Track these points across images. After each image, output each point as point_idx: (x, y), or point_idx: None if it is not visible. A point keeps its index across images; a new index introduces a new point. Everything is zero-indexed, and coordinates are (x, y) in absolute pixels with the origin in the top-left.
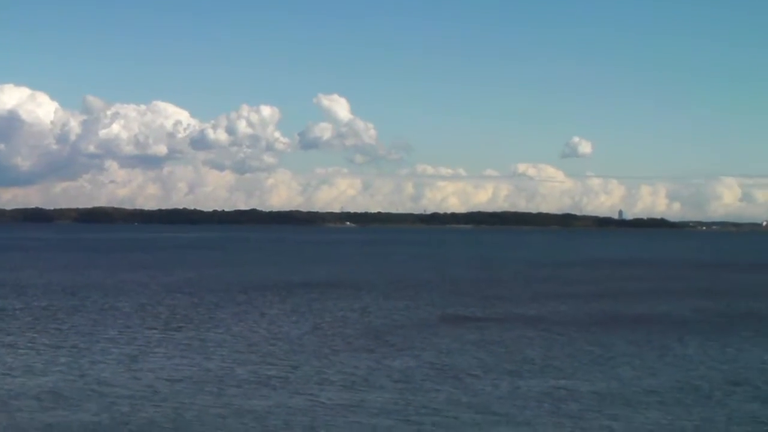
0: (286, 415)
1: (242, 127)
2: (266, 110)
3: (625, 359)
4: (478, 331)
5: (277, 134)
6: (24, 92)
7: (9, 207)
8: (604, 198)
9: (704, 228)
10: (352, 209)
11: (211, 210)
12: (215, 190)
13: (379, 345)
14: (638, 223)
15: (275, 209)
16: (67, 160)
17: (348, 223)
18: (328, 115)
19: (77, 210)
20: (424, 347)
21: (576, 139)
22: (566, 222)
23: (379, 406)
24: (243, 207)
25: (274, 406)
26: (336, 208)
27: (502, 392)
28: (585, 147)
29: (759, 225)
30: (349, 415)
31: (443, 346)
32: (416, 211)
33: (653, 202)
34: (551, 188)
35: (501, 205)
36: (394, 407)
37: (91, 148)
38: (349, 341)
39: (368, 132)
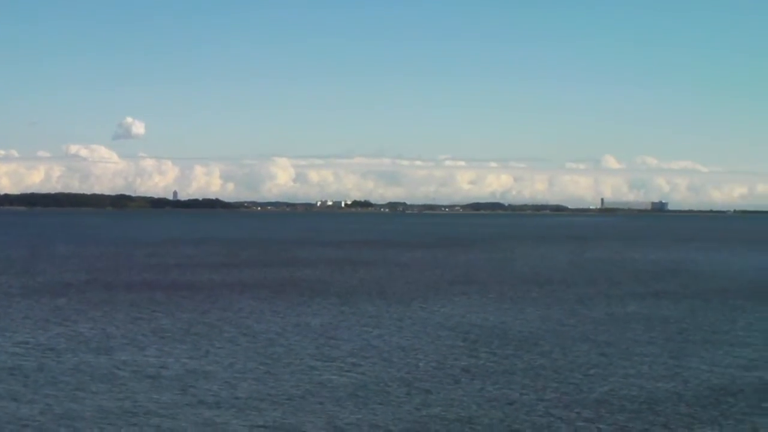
0: None
1: None
2: None
3: (214, 336)
4: (45, 308)
5: None
6: None
7: None
8: (159, 179)
9: (259, 208)
10: None
11: None
12: None
13: None
14: (193, 204)
15: None
16: None
17: None
18: None
19: None
20: None
21: (129, 119)
22: (121, 203)
23: None
24: None
25: None
26: None
27: (96, 367)
28: (138, 128)
29: (314, 205)
30: None
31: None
32: None
33: (207, 182)
34: (104, 169)
35: (54, 186)
36: None
37: None
38: None
39: None
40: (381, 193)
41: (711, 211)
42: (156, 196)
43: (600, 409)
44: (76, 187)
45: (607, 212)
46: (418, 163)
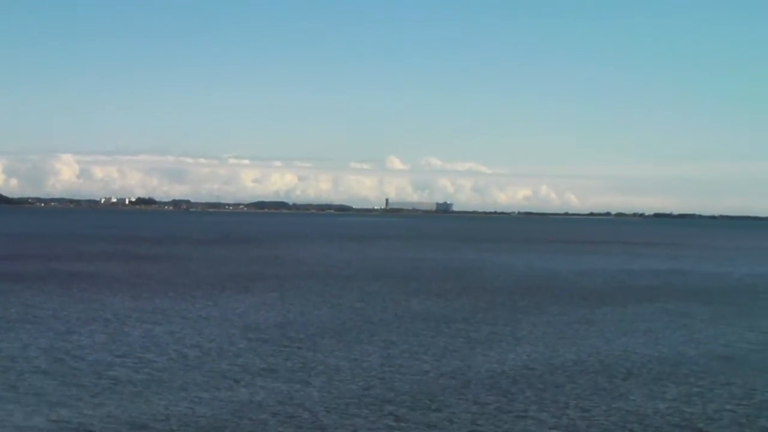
0: None
1: None
2: None
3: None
4: None
5: None
6: None
7: None
8: None
9: (42, 204)
10: None
11: None
12: None
13: None
14: None
15: None
16: None
17: None
18: None
19: None
20: None
21: None
22: None
23: None
24: None
25: None
26: None
27: None
28: None
29: (98, 202)
30: None
31: None
32: None
33: None
34: None
35: None
36: None
37: None
38: None
39: None
40: (165, 190)
41: (496, 213)
42: None
43: (383, 406)
44: None
45: (392, 212)
46: (203, 160)
